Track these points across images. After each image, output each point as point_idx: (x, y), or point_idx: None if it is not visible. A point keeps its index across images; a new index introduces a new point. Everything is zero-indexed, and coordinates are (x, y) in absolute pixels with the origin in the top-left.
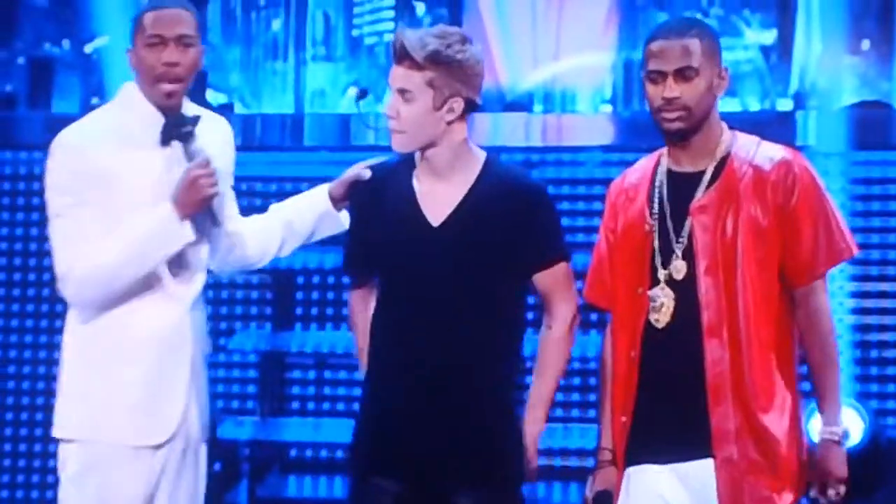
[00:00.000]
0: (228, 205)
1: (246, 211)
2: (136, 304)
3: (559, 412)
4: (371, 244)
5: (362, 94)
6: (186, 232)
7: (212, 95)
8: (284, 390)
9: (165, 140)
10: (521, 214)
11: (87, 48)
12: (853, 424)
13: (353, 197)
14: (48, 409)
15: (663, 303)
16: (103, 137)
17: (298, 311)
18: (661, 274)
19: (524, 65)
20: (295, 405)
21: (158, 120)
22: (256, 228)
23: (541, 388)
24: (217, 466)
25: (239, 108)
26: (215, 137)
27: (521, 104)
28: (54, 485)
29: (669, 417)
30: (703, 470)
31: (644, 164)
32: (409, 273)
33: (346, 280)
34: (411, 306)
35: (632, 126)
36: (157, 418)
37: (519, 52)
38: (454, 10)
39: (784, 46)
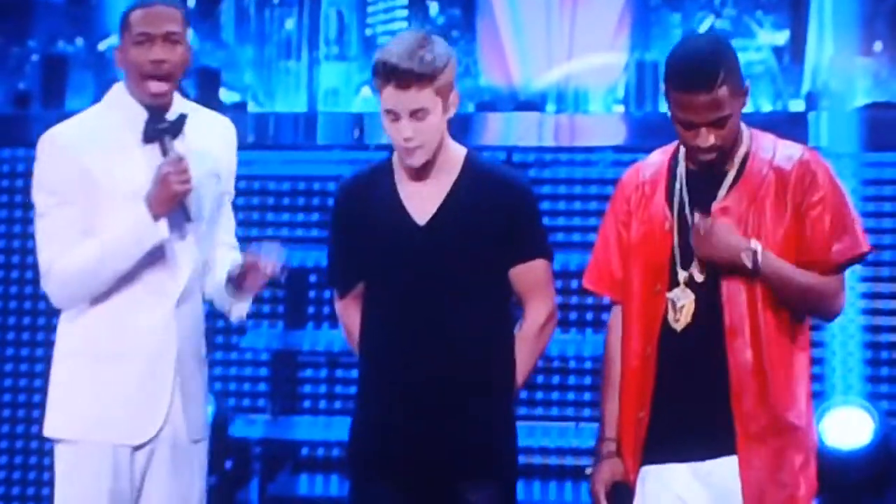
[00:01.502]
0: (224, 223)
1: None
2: (119, 302)
3: (554, 411)
4: (358, 250)
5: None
6: (159, 230)
7: (225, 94)
8: (296, 389)
9: (147, 139)
10: (501, 209)
11: (101, 46)
12: (864, 425)
13: (335, 208)
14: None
15: (684, 305)
16: (88, 137)
17: (310, 309)
18: (682, 276)
19: (537, 64)
20: (307, 404)
21: (144, 119)
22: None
23: None
24: (228, 465)
25: (252, 107)
26: (210, 138)
27: (534, 104)
28: (49, 482)
29: (691, 417)
30: (725, 467)
31: (659, 158)
32: (399, 274)
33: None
34: (402, 307)
35: (644, 126)
36: (139, 417)
37: (532, 52)
38: (467, 10)
39: (796, 47)
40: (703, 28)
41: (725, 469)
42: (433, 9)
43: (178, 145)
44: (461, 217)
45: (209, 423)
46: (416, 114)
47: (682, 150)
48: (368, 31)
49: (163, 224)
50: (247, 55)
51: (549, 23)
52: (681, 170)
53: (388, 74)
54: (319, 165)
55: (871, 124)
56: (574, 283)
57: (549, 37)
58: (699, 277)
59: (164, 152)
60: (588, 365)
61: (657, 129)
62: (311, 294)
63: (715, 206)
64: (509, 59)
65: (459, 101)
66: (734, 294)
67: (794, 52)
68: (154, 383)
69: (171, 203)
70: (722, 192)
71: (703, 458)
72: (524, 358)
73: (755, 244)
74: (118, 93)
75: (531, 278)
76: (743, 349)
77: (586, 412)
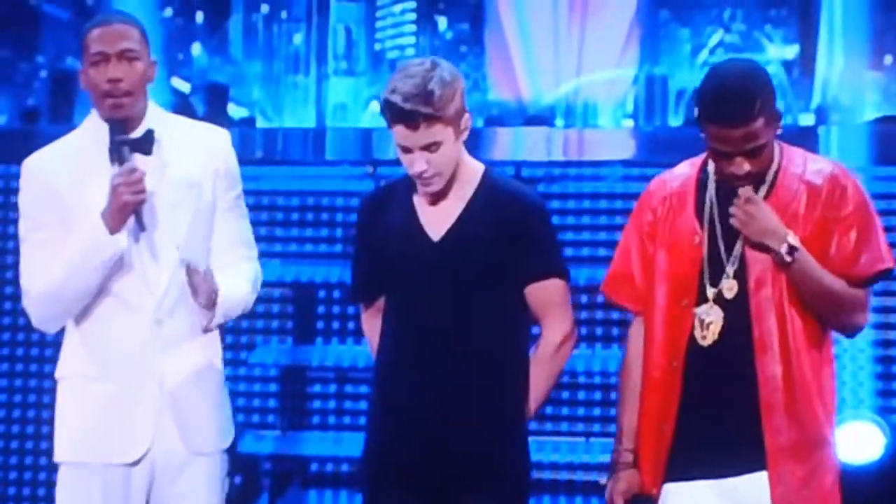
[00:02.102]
0: (224, 232)
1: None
2: (98, 321)
3: (564, 426)
4: (377, 264)
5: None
6: (116, 242)
7: (234, 109)
8: (305, 404)
9: (113, 159)
10: (516, 228)
11: None
12: (875, 439)
13: (357, 222)
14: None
15: (711, 322)
16: (60, 161)
17: (319, 325)
18: (710, 292)
19: (546, 79)
20: (316, 419)
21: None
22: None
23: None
24: (238, 480)
25: (261, 122)
26: (188, 149)
27: (543, 118)
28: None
29: (719, 433)
30: (753, 484)
31: (686, 170)
32: (413, 289)
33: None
34: (416, 321)
35: (653, 140)
36: (124, 436)
37: (541, 67)
38: (476, 25)
39: (806, 62)
40: (712, 43)
41: (753, 486)
42: (442, 24)
43: (149, 159)
44: (475, 233)
45: (225, 436)
46: (429, 148)
47: (712, 163)
48: (377, 46)
49: (121, 236)
50: (255, 70)
51: (558, 37)
52: (711, 183)
53: (396, 116)
54: (328, 181)
55: (881, 138)
56: (584, 299)
57: (558, 51)
58: (730, 294)
59: (121, 164)
60: (598, 380)
61: (666, 144)
62: (320, 309)
63: None
64: (518, 73)
65: (472, 119)
66: (764, 309)
67: (803, 67)
68: (137, 401)
69: (123, 214)
70: None
71: (729, 475)
72: (540, 380)
73: (794, 238)
74: (92, 117)
75: (546, 297)
76: (772, 364)
77: (596, 427)
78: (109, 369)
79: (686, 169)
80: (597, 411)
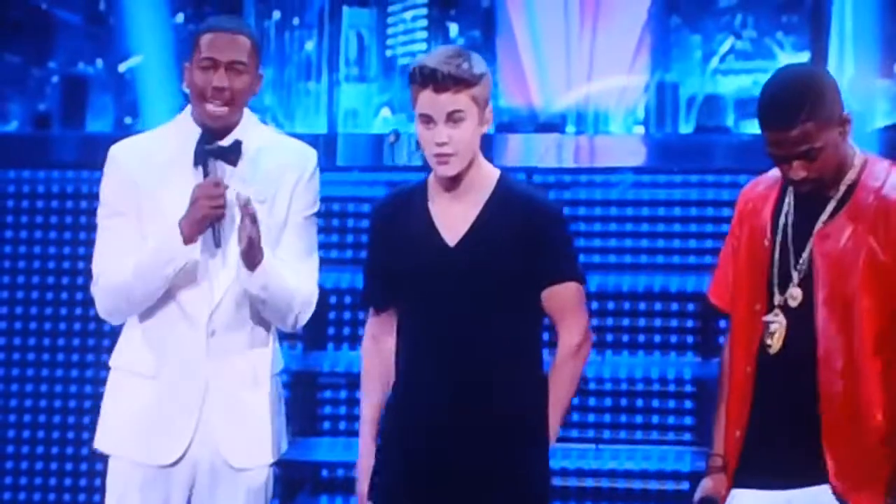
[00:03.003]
0: (286, 248)
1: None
2: (156, 323)
3: (574, 433)
4: (391, 270)
5: (397, 137)
6: (189, 252)
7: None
8: (316, 410)
9: (196, 161)
10: (532, 233)
11: (121, 67)
12: None
13: (371, 227)
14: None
15: (776, 330)
16: (144, 153)
17: (330, 330)
18: (777, 299)
19: (557, 86)
20: (326, 425)
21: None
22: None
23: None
24: None
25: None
26: (271, 166)
27: (554, 125)
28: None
29: (782, 444)
30: (815, 498)
31: (776, 173)
32: (429, 295)
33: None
34: (431, 327)
35: (664, 147)
36: (161, 438)
37: (552, 73)
38: (487, 32)
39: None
40: (723, 50)
41: (814, 499)
42: (453, 30)
43: (233, 170)
44: (492, 238)
45: (269, 452)
46: (453, 116)
47: None
48: (388, 53)
49: (195, 247)
50: (267, 76)
51: (569, 44)
52: (791, 188)
53: (426, 79)
54: (339, 187)
55: (891, 146)
56: (594, 305)
57: (569, 58)
58: (794, 303)
59: (206, 174)
60: (608, 387)
61: (677, 150)
62: (331, 315)
63: (817, 229)
64: (529, 80)
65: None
66: (829, 324)
67: None
68: (178, 406)
69: (201, 226)
70: (824, 216)
71: (791, 486)
72: (563, 384)
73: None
74: (184, 115)
75: (563, 301)
76: (834, 380)
77: (606, 434)
78: (160, 370)
79: (776, 172)
80: (607, 418)
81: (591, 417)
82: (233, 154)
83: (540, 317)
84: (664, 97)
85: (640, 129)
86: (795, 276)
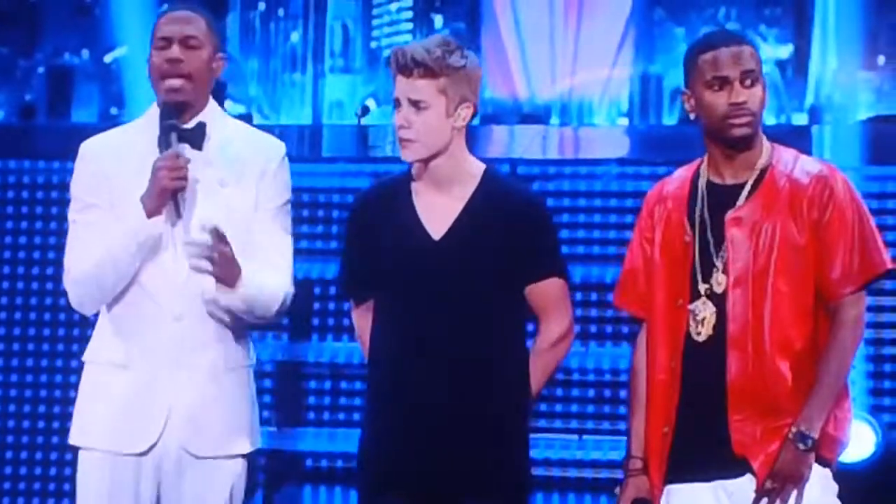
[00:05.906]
0: (258, 239)
1: None
2: (125, 311)
3: (558, 423)
4: (374, 262)
5: (364, 111)
6: (152, 225)
7: (230, 106)
8: (301, 400)
9: (160, 143)
10: (516, 227)
11: (107, 58)
12: (866, 437)
13: (351, 217)
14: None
15: (705, 316)
16: (114, 147)
17: (315, 321)
18: (702, 287)
19: (541, 77)
20: (311, 415)
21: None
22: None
23: None
24: None
25: (257, 119)
26: (237, 152)
27: (538, 117)
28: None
29: (710, 432)
30: (746, 486)
31: (682, 173)
32: (412, 287)
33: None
34: (414, 320)
35: (648, 139)
36: (132, 427)
37: (536, 65)
38: (472, 24)
39: (800, 61)
40: None
41: (747, 487)
42: (438, 22)
43: (197, 154)
44: (477, 232)
45: (241, 443)
46: (416, 105)
47: (706, 162)
48: (373, 44)
49: (158, 219)
50: (252, 68)
51: (554, 36)
52: (702, 182)
53: (396, 62)
54: (324, 178)
55: (874, 138)
56: (578, 296)
57: (554, 50)
58: (719, 289)
59: (167, 148)
60: (591, 378)
61: (661, 142)
62: (316, 306)
63: (729, 214)
64: (514, 71)
65: (473, 117)
66: (739, 306)
67: (797, 66)
68: (149, 395)
69: (162, 198)
70: (739, 202)
71: (725, 477)
72: (534, 373)
73: (794, 429)
74: (153, 109)
75: (547, 296)
76: (742, 360)
77: (589, 424)
78: (131, 359)
79: (682, 172)
80: (590, 408)
81: (575, 408)
82: (197, 136)
83: (524, 311)
84: (648, 89)
85: (624, 121)
86: (719, 262)
